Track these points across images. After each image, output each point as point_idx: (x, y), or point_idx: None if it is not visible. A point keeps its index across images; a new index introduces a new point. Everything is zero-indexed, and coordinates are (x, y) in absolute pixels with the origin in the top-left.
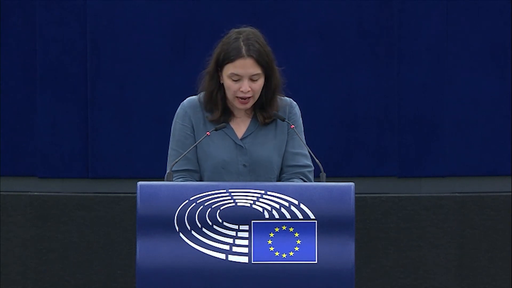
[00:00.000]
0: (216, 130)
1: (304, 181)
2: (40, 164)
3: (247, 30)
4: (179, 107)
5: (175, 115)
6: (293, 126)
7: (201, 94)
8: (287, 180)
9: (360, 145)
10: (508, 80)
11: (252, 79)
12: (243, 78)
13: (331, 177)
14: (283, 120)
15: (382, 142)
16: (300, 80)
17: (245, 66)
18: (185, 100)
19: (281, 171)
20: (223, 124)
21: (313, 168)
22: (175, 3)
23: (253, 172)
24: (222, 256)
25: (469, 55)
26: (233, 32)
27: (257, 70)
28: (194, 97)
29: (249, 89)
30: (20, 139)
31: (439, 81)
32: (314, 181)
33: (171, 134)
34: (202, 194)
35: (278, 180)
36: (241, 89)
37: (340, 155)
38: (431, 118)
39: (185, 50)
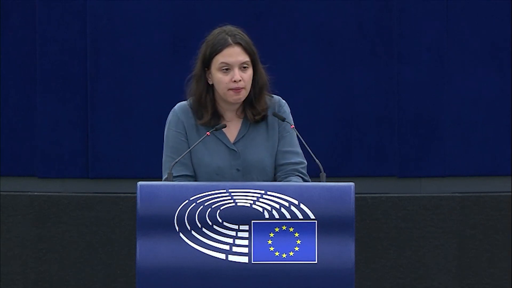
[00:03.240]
0: (216, 130)
1: (300, 177)
2: (40, 164)
3: (230, 26)
4: (171, 114)
5: (167, 121)
6: (293, 126)
7: (191, 99)
8: (284, 178)
9: (360, 145)
10: (508, 80)
11: (241, 67)
12: (233, 67)
13: (331, 177)
14: (283, 120)
15: (382, 142)
16: (300, 80)
17: (234, 54)
18: (175, 106)
19: (275, 171)
20: (223, 124)
21: (305, 164)
22: (175, 3)
23: (246, 176)
24: (222, 256)
25: (469, 55)
26: (216, 30)
27: (245, 57)
28: (184, 102)
29: (240, 78)
30: (20, 139)
31: (439, 81)
32: (314, 181)
33: (164, 141)
34: (202, 194)
35: (274, 181)
36: (233, 79)
37: (340, 155)
38: (431, 118)
39: (185, 50)
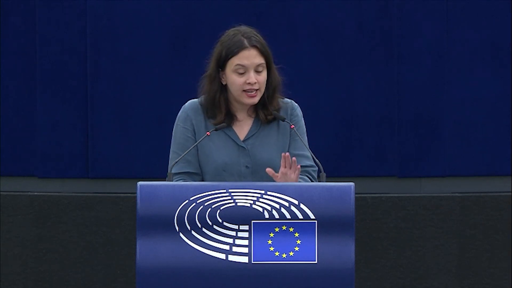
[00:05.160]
0: (216, 130)
1: (310, 178)
2: (40, 164)
3: (244, 27)
4: (181, 110)
5: (177, 118)
6: (293, 126)
7: (202, 97)
8: None
9: (360, 145)
10: (508, 80)
11: (256, 70)
12: (248, 70)
13: (331, 177)
14: (283, 120)
15: (382, 142)
16: (300, 80)
17: (250, 57)
18: (186, 103)
19: None
20: (223, 124)
21: (316, 168)
22: (175, 3)
23: (255, 174)
24: (222, 256)
25: (469, 55)
26: (231, 30)
27: (261, 60)
28: (195, 100)
29: (256, 80)
30: (20, 139)
31: (439, 81)
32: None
33: (172, 137)
34: (202, 194)
35: None
36: (248, 81)
37: (339, 155)
38: (431, 118)
39: (185, 50)
